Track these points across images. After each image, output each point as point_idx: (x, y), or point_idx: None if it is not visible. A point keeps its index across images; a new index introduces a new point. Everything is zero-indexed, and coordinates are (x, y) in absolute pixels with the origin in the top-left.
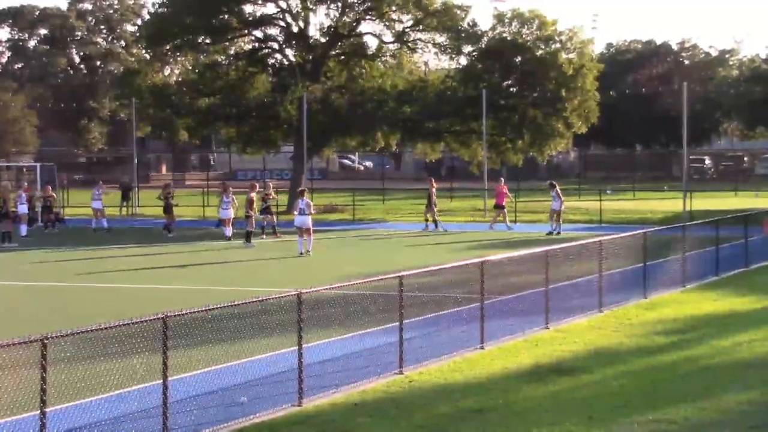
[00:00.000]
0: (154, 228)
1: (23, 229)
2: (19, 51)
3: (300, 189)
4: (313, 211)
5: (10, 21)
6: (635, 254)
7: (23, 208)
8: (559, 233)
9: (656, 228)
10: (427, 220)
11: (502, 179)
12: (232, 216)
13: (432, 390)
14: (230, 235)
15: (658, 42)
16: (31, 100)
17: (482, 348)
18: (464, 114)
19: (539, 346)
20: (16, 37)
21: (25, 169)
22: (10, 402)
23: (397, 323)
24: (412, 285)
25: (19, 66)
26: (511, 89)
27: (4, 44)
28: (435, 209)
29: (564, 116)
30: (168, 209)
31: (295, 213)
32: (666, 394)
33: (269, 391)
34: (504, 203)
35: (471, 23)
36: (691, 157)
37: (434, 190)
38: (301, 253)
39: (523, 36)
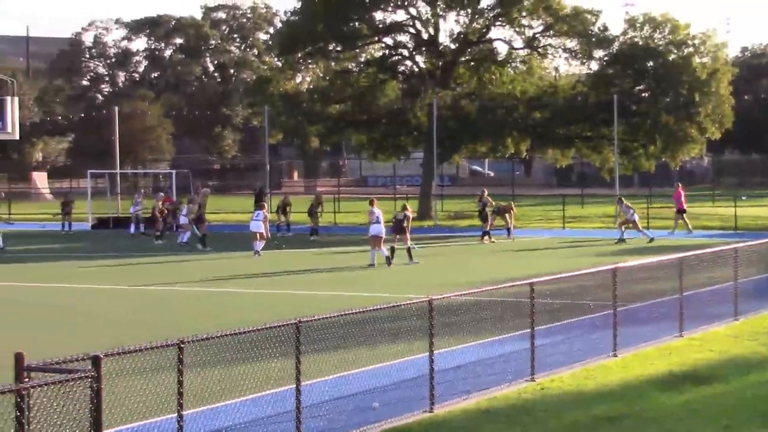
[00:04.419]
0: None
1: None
2: (155, 60)
3: (370, 199)
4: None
5: (147, 31)
6: None
7: (184, 219)
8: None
9: None
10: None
11: (679, 183)
12: (135, 214)
13: (564, 397)
14: (133, 231)
15: None
16: (167, 108)
17: (615, 355)
18: (595, 119)
19: (673, 354)
20: (153, 47)
21: (161, 176)
22: (149, 404)
23: (529, 330)
24: (543, 292)
25: (156, 75)
26: (643, 94)
27: (141, 54)
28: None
29: (697, 121)
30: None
31: (373, 222)
32: None
33: (401, 397)
34: (684, 207)
35: (602, 28)
36: None
37: (410, 214)
38: (370, 265)
39: (655, 40)
